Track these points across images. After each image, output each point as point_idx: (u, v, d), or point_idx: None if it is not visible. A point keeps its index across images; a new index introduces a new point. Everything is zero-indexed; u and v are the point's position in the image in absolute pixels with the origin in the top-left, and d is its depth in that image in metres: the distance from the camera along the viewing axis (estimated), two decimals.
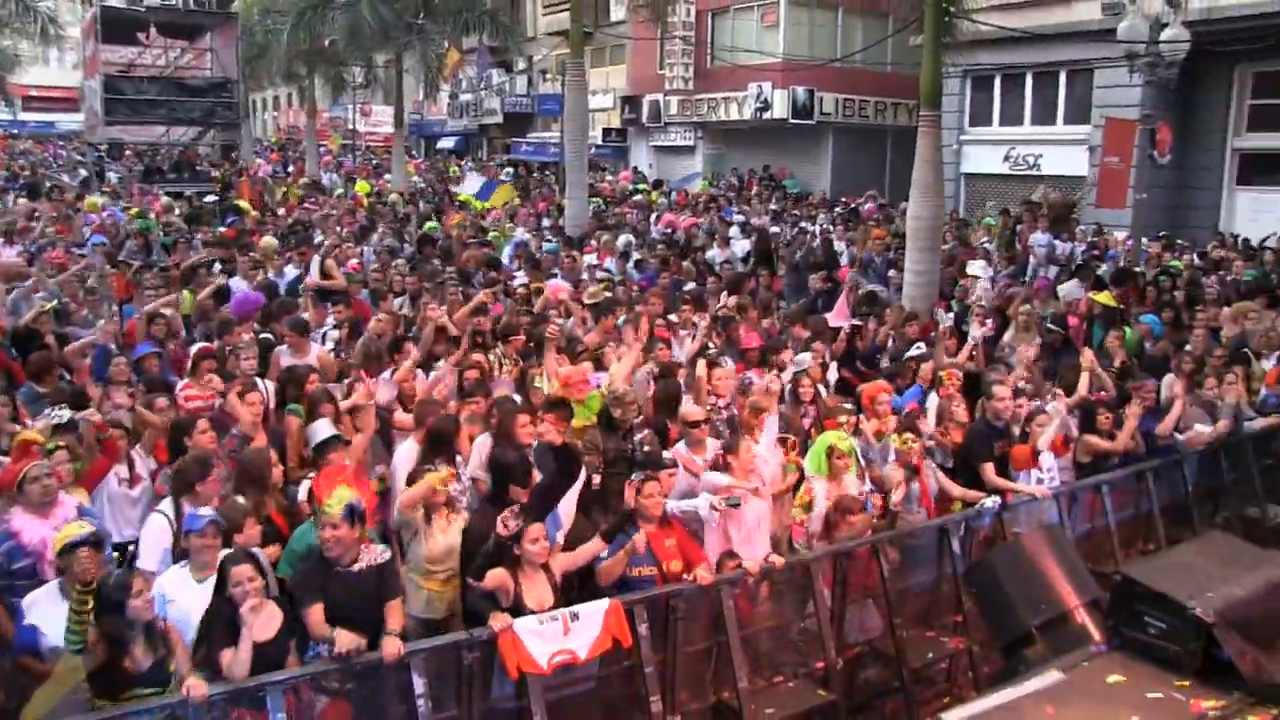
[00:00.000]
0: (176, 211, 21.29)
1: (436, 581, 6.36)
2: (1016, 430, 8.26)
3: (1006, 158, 24.71)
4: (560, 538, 6.38)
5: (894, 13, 18.77)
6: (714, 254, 16.71)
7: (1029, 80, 24.28)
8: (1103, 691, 4.04)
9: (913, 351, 10.04)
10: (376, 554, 5.62)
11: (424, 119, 46.70)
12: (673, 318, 10.88)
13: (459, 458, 7.06)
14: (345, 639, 5.20)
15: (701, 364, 8.51)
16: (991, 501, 7.56)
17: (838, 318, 11.24)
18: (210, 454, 6.73)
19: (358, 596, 5.43)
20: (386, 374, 8.46)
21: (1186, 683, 4.01)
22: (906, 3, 15.00)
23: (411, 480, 6.53)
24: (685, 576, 6.27)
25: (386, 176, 32.08)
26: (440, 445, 6.91)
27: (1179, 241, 18.87)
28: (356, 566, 5.52)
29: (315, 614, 5.36)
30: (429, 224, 19.68)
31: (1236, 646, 3.95)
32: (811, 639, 6.82)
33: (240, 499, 6.31)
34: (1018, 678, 4.33)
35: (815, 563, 6.81)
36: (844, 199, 25.86)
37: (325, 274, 13.00)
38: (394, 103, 32.61)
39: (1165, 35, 16.74)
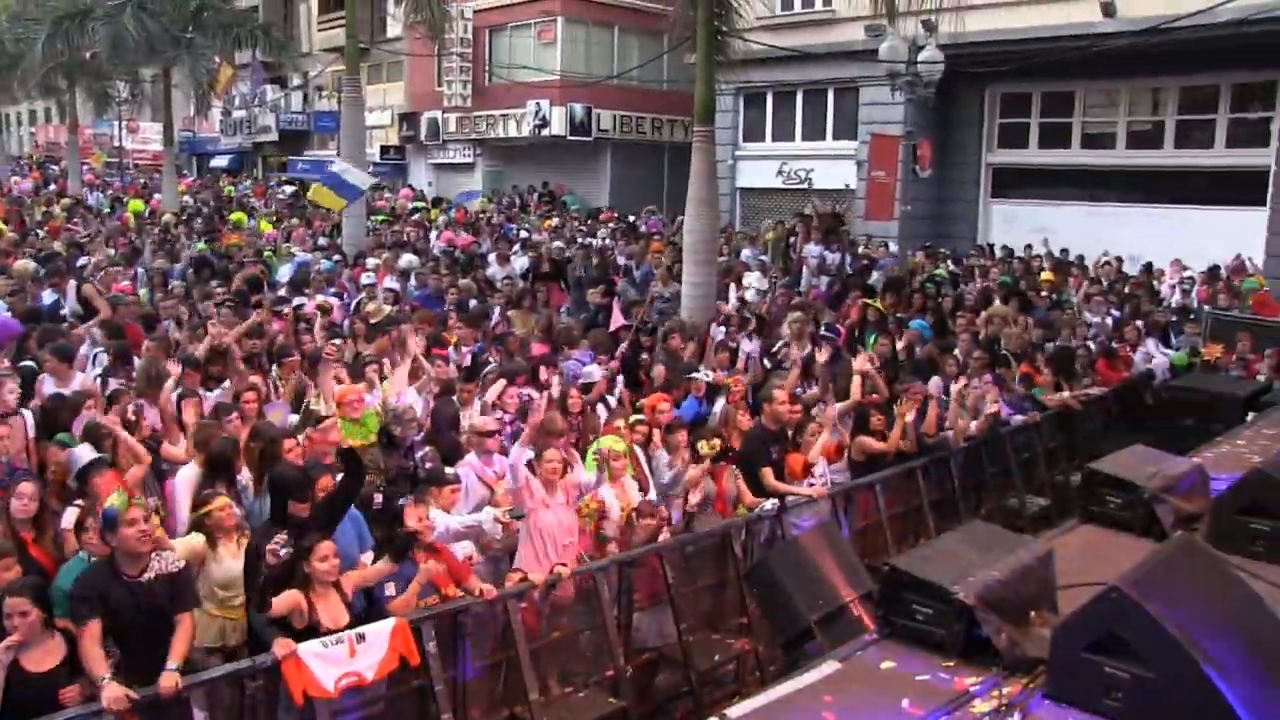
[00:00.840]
0: None
1: (231, 609, 6.10)
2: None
3: (779, 172, 25.54)
4: (368, 558, 6.23)
5: (669, 32, 19.18)
6: (494, 271, 16.63)
7: (800, 98, 25.17)
8: (876, 677, 4.17)
9: (694, 374, 10.18)
10: (167, 562, 5.40)
11: (196, 136, 44.64)
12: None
13: (240, 479, 6.82)
14: (112, 694, 4.88)
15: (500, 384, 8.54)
16: (770, 504, 7.76)
17: (615, 322, 11.46)
18: None
19: (144, 610, 5.18)
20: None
21: (951, 663, 4.18)
22: (680, 22, 15.30)
23: (196, 504, 6.30)
24: (468, 593, 6.18)
25: (157, 196, 30.49)
26: (221, 468, 6.70)
27: (941, 250, 19.94)
28: (145, 576, 5.26)
29: (91, 633, 5.05)
30: (198, 244, 18.80)
31: (994, 625, 4.15)
32: (601, 647, 6.84)
33: None
34: (798, 670, 4.43)
35: (601, 572, 6.82)
36: (626, 216, 26.20)
37: (85, 300, 12.23)
38: (163, 119, 30.93)
39: (922, 56, 17.71)
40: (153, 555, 5.39)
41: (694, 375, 9.95)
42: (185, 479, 6.90)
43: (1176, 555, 4.17)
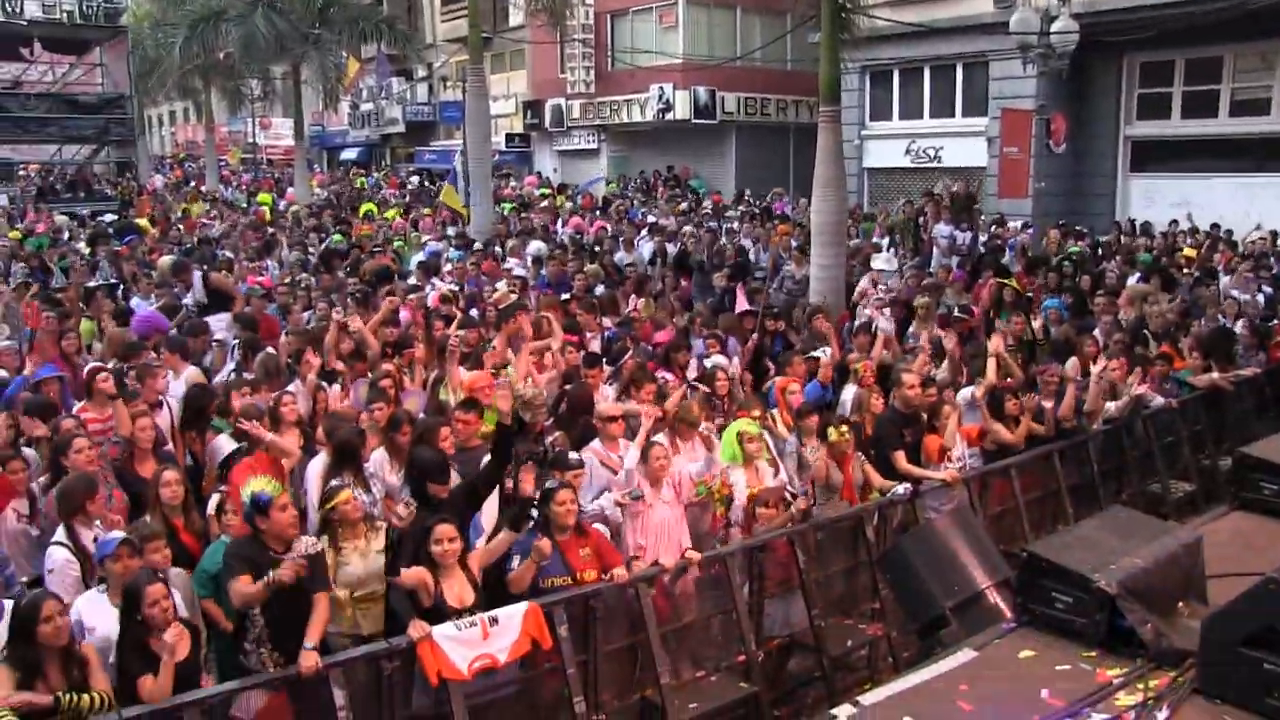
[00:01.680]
0: (67, 234, 20.67)
1: (363, 603, 6.16)
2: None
3: (908, 151, 25.12)
4: (482, 542, 6.30)
5: (791, 11, 19.00)
6: (621, 256, 16.72)
7: (927, 74, 24.70)
8: (1014, 666, 4.09)
9: (814, 353, 10.09)
10: (307, 545, 5.60)
11: (325, 130, 46.05)
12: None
13: (370, 470, 6.95)
14: (308, 662, 5.20)
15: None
16: (903, 489, 7.66)
17: (740, 307, 11.49)
18: (91, 472, 6.51)
19: (286, 586, 5.34)
20: (293, 386, 8.31)
21: (1093, 653, 4.08)
22: (803, 1, 15.14)
23: (323, 498, 6.34)
24: (602, 578, 6.24)
25: (290, 190, 31.53)
26: (348, 458, 6.80)
27: (1078, 228, 19.35)
28: (288, 556, 5.45)
29: (242, 582, 5.34)
30: (334, 236, 19.39)
31: (1138, 615, 4.02)
32: (733, 633, 6.85)
33: (148, 519, 6.17)
34: (933, 658, 4.37)
35: (731, 557, 6.83)
36: (754, 199, 26.09)
37: (214, 290, 12.67)
38: (293, 115, 32.01)
39: (1055, 27, 17.20)
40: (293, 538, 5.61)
41: (815, 355, 9.88)
42: (314, 471, 6.98)
43: None
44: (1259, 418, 10.30)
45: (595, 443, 7.55)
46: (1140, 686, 3.84)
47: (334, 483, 6.42)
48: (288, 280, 14.23)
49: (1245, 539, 5.15)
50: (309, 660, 5.22)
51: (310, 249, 18.04)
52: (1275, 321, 12.43)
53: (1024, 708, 3.67)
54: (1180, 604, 4.27)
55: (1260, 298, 13.56)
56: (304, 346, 9.07)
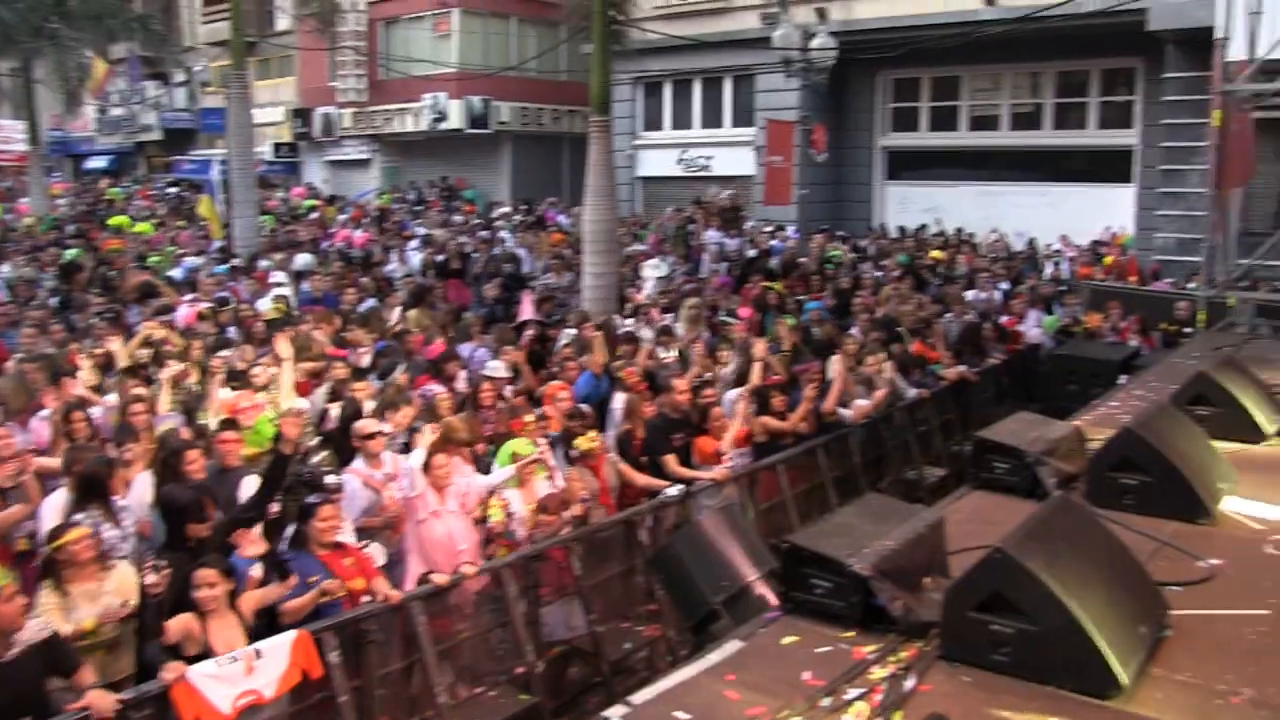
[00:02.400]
0: None
1: (92, 650, 5.51)
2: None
3: (679, 160, 25.75)
4: (257, 571, 5.81)
5: (565, 22, 19.21)
6: (392, 268, 16.50)
7: (697, 86, 25.41)
8: (778, 652, 4.27)
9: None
10: (32, 631, 4.89)
11: (68, 135, 42.65)
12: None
13: (118, 501, 6.43)
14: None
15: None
16: (675, 490, 7.87)
17: (525, 314, 11.53)
18: None
19: (9, 693, 4.63)
20: (44, 412, 7.84)
21: (851, 633, 4.32)
22: (576, 12, 15.34)
23: (51, 535, 5.64)
24: (370, 598, 6.09)
25: (23, 200, 28.96)
26: (93, 491, 6.21)
27: (839, 233, 20.33)
28: (8, 656, 4.77)
29: None
30: (70, 251, 18.10)
31: (889, 593, 4.30)
32: (511, 645, 6.85)
33: None
34: (702, 652, 4.53)
35: (505, 569, 6.84)
36: (524, 206, 26.14)
37: None
38: (25, 116, 28.49)
39: (815, 44, 18.07)
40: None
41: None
42: (52, 506, 6.33)
43: (1054, 514, 4.37)
44: (999, 404, 11.07)
45: (357, 462, 7.39)
46: (892, 659, 4.11)
47: (78, 517, 5.87)
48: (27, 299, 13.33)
49: (983, 515, 5.55)
50: (104, 700, 4.79)
51: (45, 265, 16.78)
52: (1004, 318, 13.45)
53: (787, 690, 3.86)
54: (926, 579, 4.58)
55: (998, 295, 14.63)
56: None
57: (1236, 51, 13.50)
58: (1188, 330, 12.69)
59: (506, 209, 25.16)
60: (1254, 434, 7.05)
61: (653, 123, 26.43)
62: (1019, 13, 17.89)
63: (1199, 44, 15.65)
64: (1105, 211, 19.93)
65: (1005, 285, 15.35)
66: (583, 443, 7.83)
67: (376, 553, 6.76)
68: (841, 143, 23.32)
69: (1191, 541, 5.19)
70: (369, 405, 8.21)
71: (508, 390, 9.09)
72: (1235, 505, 5.73)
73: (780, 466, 8.81)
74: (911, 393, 10.58)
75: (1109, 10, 16.33)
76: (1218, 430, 6.87)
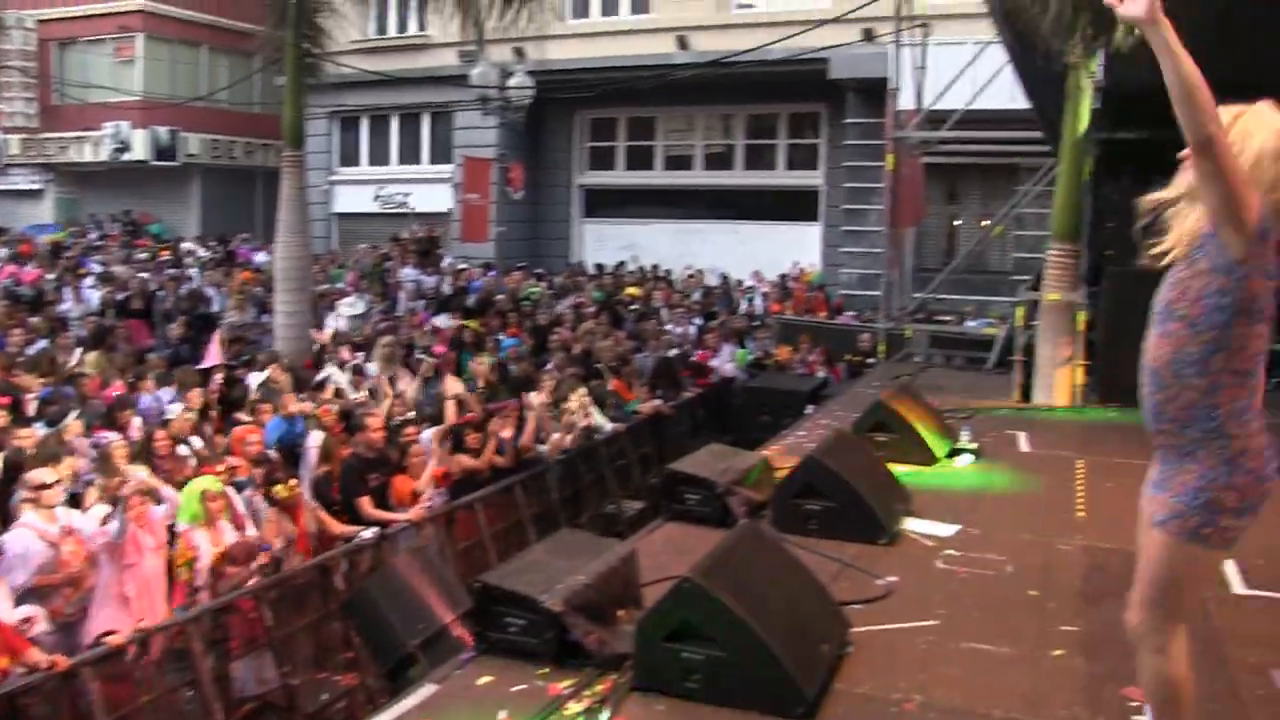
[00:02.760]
0: None
1: None
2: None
3: (377, 197, 25.28)
4: None
5: (259, 52, 18.49)
6: (67, 306, 15.29)
7: (395, 121, 25.04)
8: (473, 694, 4.21)
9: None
10: None
11: None
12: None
13: None
14: None
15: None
16: (369, 533, 7.63)
17: (211, 358, 10.88)
18: None
19: None
20: None
21: (546, 670, 4.31)
22: (269, 42, 14.74)
23: None
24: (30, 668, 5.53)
25: None
26: None
27: (537, 270, 20.52)
28: None
29: None
30: None
31: (582, 627, 4.32)
32: (199, 705, 6.41)
33: None
34: (397, 698, 4.39)
35: (193, 623, 6.41)
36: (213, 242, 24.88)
37: None
38: None
39: (512, 82, 18.22)
40: None
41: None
42: None
43: (740, 542, 4.52)
44: (695, 437, 11.41)
45: (29, 515, 6.72)
46: (587, 694, 4.11)
47: None
48: None
49: (676, 546, 5.69)
50: None
51: None
52: (698, 352, 13.96)
53: None
54: (620, 612, 4.63)
55: (692, 330, 15.16)
56: None
57: (906, 101, 14.77)
58: (870, 361, 13.61)
59: (191, 245, 23.84)
60: (928, 457, 7.61)
61: (349, 158, 25.83)
62: (711, 57, 18.66)
63: (875, 93, 16.99)
64: (794, 248, 21.08)
65: (699, 320, 15.92)
66: (281, 490, 7.50)
67: (36, 615, 6.15)
68: (539, 180, 23.64)
69: (871, 561, 5.53)
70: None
71: (195, 438, 8.56)
72: (911, 525, 6.14)
73: (478, 505, 8.70)
74: (608, 427, 10.74)
75: (794, 59, 17.34)
76: (895, 455, 7.40)
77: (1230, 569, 5.35)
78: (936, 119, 14.63)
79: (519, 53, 18.01)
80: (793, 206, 21.93)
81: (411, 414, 9.62)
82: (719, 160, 23.10)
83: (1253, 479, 2.92)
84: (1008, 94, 13.79)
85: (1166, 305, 2.96)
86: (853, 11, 16.14)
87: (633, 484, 10.94)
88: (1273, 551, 5.34)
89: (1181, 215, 2.95)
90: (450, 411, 9.25)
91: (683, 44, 20.55)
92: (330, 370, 10.82)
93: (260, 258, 21.58)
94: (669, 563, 5.03)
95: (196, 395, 9.53)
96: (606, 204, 24.14)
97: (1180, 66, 2.63)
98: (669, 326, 15.03)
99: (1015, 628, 4.77)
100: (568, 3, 21.76)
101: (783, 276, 19.88)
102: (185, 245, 22.97)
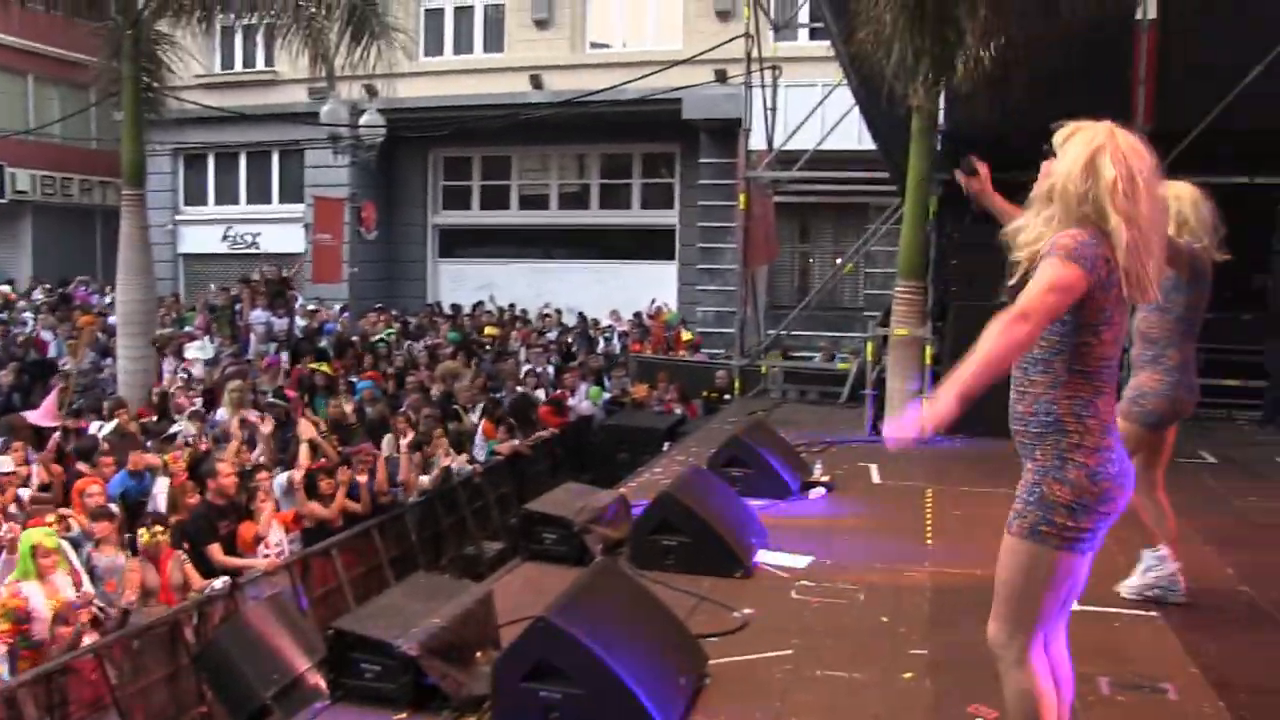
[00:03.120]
0: None
1: None
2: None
3: (225, 237, 24.59)
4: None
5: (94, 85, 17.83)
6: None
7: (243, 159, 24.43)
8: None
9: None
10: None
11: None
12: None
13: None
14: None
15: None
16: (220, 583, 7.39)
17: (44, 418, 10.39)
18: None
19: None
20: None
21: (403, 715, 4.24)
22: (106, 75, 14.22)
23: None
24: None
25: None
26: None
27: (393, 311, 20.25)
28: None
29: None
30: None
31: (439, 670, 4.26)
32: None
33: None
34: None
35: (21, 689, 6.05)
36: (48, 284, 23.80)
37: None
38: None
39: (363, 121, 18.01)
40: None
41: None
42: None
43: (596, 580, 4.54)
44: (554, 475, 11.39)
45: None
46: None
47: None
48: None
49: (534, 585, 5.68)
50: None
51: None
52: (556, 391, 13.96)
53: None
54: (478, 653, 4.59)
55: (550, 369, 15.16)
56: None
57: (758, 142, 15.13)
58: (727, 397, 13.80)
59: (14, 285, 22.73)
60: (781, 490, 7.75)
61: (195, 197, 25.05)
62: (565, 97, 18.91)
63: (728, 133, 17.36)
64: (651, 287, 21.28)
65: (557, 360, 15.93)
66: (145, 536, 7.21)
67: None
68: (394, 220, 23.38)
69: (727, 594, 5.60)
70: None
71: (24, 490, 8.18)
72: (765, 557, 6.24)
73: (334, 550, 8.53)
74: (467, 469, 10.65)
75: (648, 99, 17.60)
76: (750, 489, 7.52)
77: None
78: (788, 159, 15.01)
79: (370, 90, 17.78)
80: (649, 245, 22.20)
81: (262, 459, 9.37)
82: (574, 199, 23.24)
83: (1085, 475, 2.96)
84: (856, 135, 14.29)
85: None
86: (705, 53, 16.55)
87: (492, 525, 10.86)
88: (1098, 571, 5.59)
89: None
90: (304, 456, 9.03)
91: (537, 83, 20.69)
92: (180, 425, 10.44)
93: (100, 299, 20.80)
94: (527, 602, 4.99)
95: (21, 446, 9.12)
96: (462, 244, 24.00)
97: (976, 377, 2.90)
98: (526, 366, 14.99)
99: (867, 653, 4.88)
100: (420, 40, 21.68)
101: (639, 315, 20.05)
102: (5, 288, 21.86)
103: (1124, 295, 2.92)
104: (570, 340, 18.00)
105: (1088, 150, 2.94)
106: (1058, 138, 3.04)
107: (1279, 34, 10.99)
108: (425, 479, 9.92)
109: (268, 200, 24.38)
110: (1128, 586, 5.45)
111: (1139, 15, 11.13)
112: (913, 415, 2.93)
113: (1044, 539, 2.99)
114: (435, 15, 22.50)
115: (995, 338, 2.86)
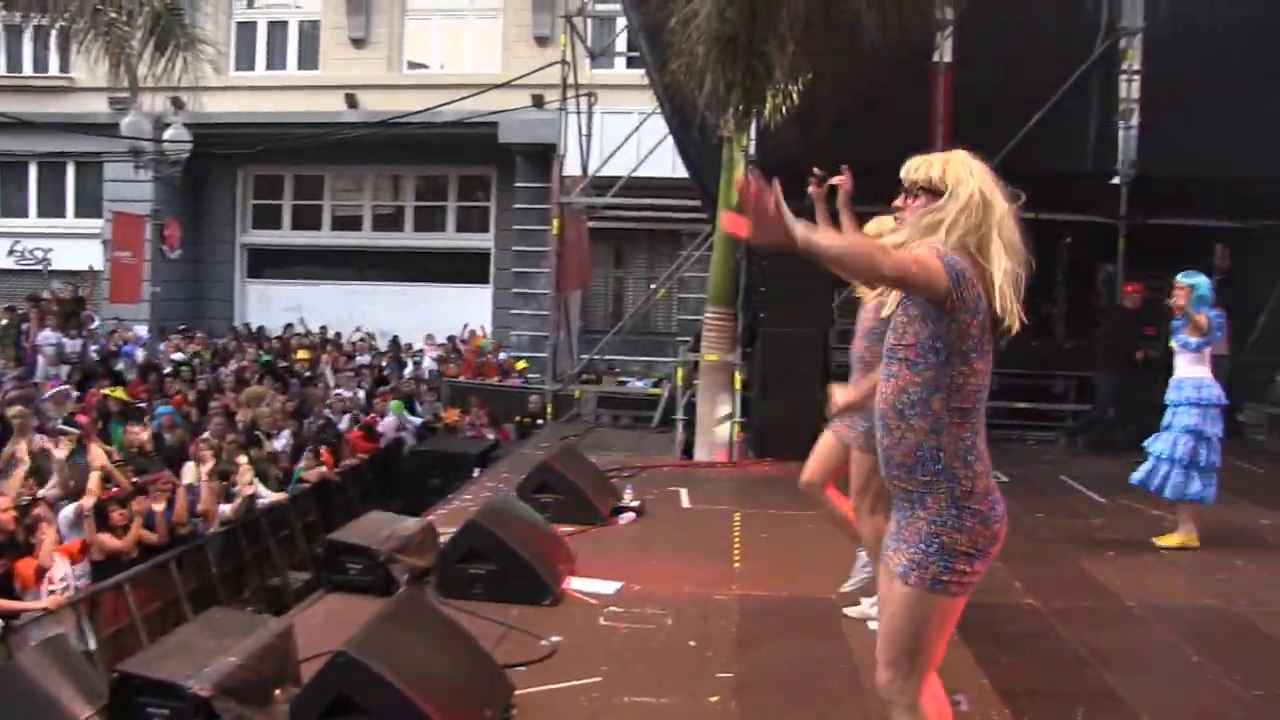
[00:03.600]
0: None
1: None
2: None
3: (12, 251, 23.13)
4: None
5: None
6: None
7: (34, 170, 23.08)
8: None
9: None
10: None
11: None
12: None
13: None
14: None
15: None
16: None
17: None
18: None
19: None
20: None
21: None
22: None
23: None
24: None
25: None
26: None
27: (199, 333, 19.49)
28: None
29: None
30: None
31: (233, 712, 4.09)
32: None
33: None
34: None
35: None
36: None
37: None
38: None
39: (168, 135, 17.27)
40: None
41: None
42: None
43: (398, 611, 4.46)
44: (364, 502, 11.16)
45: None
46: None
47: None
48: None
49: (337, 618, 5.51)
50: None
51: None
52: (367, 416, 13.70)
53: None
54: (277, 691, 4.43)
55: (361, 394, 14.85)
56: None
57: (573, 167, 15.22)
58: (539, 422, 13.79)
59: None
60: (591, 516, 7.78)
61: None
62: (381, 117, 18.62)
63: (544, 158, 17.43)
64: (466, 311, 21.11)
65: (368, 385, 15.63)
66: None
67: None
68: (200, 238, 22.46)
69: (536, 622, 5.58)
70: None
71: None
72: (574, 584, 6.24)
73: (127, 586, 8.10)
74: (270, 496, 10.31)
75: (465, 122, 17.50)
76: (560, 515, 7.51)
77: (866, 605, 5.78)
78: (603, 185, 15.15)
79: (177, 103, 17.06)
80: (464, 269, 22.09)
81: (47, 491, 8.84)
82: (389, 221, 22.90)
83: (979, 521, 2.93)
84: (670, 163, 14.49)
85: (889, 349, 3.02)
86: (523, 78, 16.57)
87: (299, 554, 10.55)
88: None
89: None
90: (93, 484, 8.57)
91: (352, 103, 20.37)
92: None
93: None
94: (329, 636, 4.85)
95: None
96: (272, 264, 23.27)
97: (829, 251, 2.78)
98: (337, 391, 14.64)
99: (675, 678, 4.93)
100: (231, 54, 21.06)
101: (453, 339, 19.88)
102: None
103: (993, 323, 2.94)
104: (383, 365, 17.69)
105: (981, 186, 2.97)
106: (916, 173, 3.04)
107: (1060, 82, 11.85)
108: (227, 508, 9.57)
109: (61, 214, 23.07)
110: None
111: (936, 57, 11.77)
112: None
113: (946, 588, 2.94)
114: (247, 29, 21.86)
115: (862, 245, 2.84)
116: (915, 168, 3.06)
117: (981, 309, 2.90)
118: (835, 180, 4.34)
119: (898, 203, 3.11)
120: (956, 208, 2.95)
